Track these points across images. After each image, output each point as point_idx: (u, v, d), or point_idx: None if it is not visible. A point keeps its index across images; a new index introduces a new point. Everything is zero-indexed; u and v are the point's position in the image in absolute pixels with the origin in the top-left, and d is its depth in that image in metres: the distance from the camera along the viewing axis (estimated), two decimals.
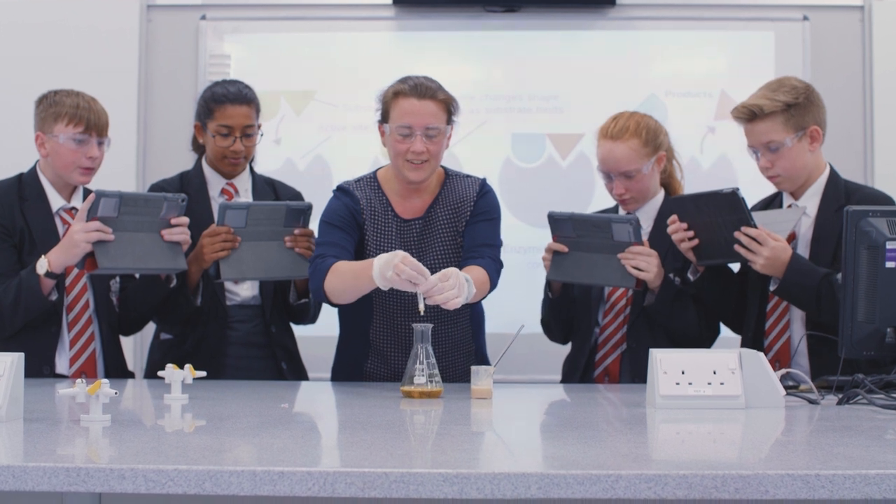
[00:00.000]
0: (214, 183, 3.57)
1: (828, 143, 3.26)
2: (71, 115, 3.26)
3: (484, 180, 3.34)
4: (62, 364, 3.24)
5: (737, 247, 3.10)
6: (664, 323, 3.28)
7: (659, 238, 3.35)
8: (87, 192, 3.31)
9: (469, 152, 4.86)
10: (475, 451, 1.87)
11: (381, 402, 2.64)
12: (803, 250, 3.19)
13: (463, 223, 3.23)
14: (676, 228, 3.24)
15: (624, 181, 3.38)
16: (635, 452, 1.81)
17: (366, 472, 1.57)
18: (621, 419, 2.31)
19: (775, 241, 3.07)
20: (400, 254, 2.76)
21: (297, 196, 3.70)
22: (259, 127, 3.56)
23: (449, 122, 3.20)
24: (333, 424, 2.20)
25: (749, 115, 3.19)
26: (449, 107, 3.19)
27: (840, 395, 2.62)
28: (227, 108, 3.48)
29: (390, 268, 2.74)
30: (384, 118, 3.20)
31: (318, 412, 2.50)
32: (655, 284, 3.24)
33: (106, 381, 2.09)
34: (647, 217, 3.42)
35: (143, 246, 3.17)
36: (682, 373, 2.51)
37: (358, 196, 3.21)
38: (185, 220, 3.24)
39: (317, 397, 2.95)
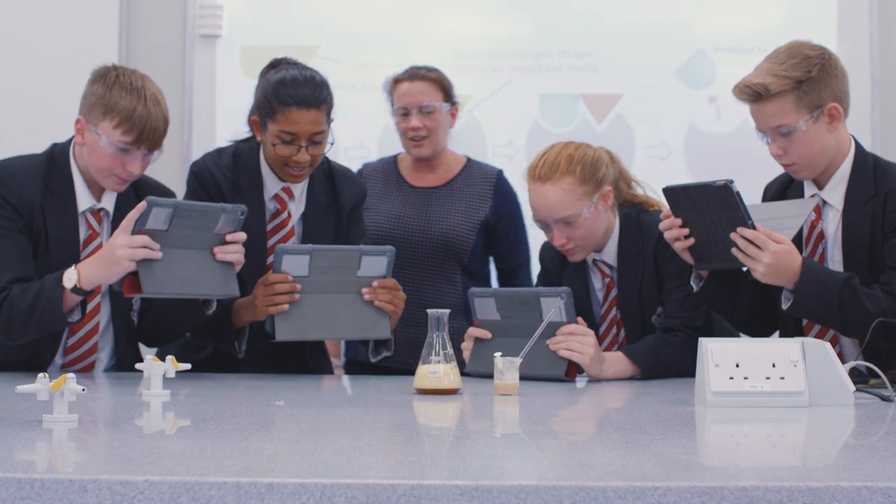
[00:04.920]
0: (270, 184, 3.32)
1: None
2: (123, 118, 2.97)
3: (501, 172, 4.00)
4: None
5: (734, 250, 2.89)
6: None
7: (628, 273, 3.24)
8: (136, 195, 3.10)
9: (493, 116, 4.82)
10: (498, 459, 1.79)
11: (391, 399, 2.60)
12: (834, 253, 3.02)
13: (489, 201, 3.92)
14: (670, 224, 3.03)
15: (564, 229, 3.19)
16: (685, 460, 1.72)
17: (369, 483, 1.50)
18: (666, 419, 2.23)
19: (777, 243, 2.85)
20: None
21: (363, 190, 3.50)
22: (329, 129, 3.27)
23: (447, 100, 3.90)
24: (335, 426, 2.12)
25: (753, 95, 2.98)
26: (442, 85, 3.90)
27: None
28: (292, 112, 3.17)
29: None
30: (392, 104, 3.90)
31: (318, 411, 2.43)
32: (595, 372, 3.03)
33: (72, 375, 2.02)
34: (611, 259, 3.29)
35: (192, 266, 2.92)
36: (737, 366, 2.42)
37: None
38: (242, 236, 3.00)
39: (318, 393, 2.88)
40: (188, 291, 2.95)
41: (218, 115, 4.85)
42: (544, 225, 3.24)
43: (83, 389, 2.02)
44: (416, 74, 3.93)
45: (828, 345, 2.46)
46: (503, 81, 4.81)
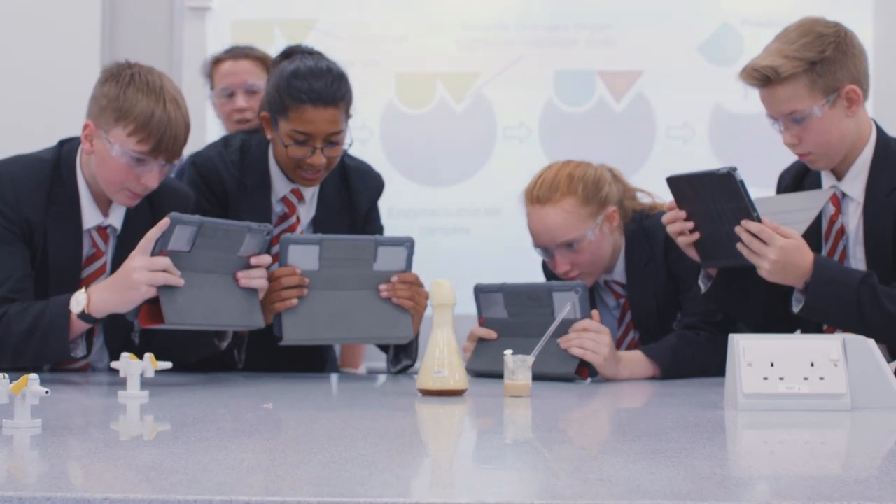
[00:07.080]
0: (279, 185, 3.18)
1: None
2: (139, 124, 2.77)
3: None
4: None
5: (739, 245, 2.77)
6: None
7: (642, 285, 3.15)
8: (149, 205, 2.93)
9: (504, 94, 4.76)
10: (507, 471, 1.71)
11: (391, 402, 2.53)
12: (856, 249, 2.90)
13: None
14: (674, 217, 2.91)
15: (567, 254, 3.10)
16: (719, 473, 1.61)
17: (359, 502, 1.39)
18: (694, 425, 2.14)
19: (785, 237, 2.73)
20: None
21: (379, 187, 3.35)
22: (348, 128, 3.11)
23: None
24: (326, 433, 2.03)
25: (762, 79, 2.83)
26: (266, 64, 3.84)
27: None
28: (306, 110, 3.01)
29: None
30: None
31: (310, 415, 2.34)
32: (610, 372, 2.92)
33: (35, 376, 1.91)
34: (622, 276, 3.21)
35: (216, 293, 2.75)
36: (772, 365, 2.33)
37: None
38: (267, 259, 2.84)
39: (312, 395, 2.79)
40: (212, 322, 2.79)
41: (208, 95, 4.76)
42: (545, 251, 3.14)
43: (46, 392, 1.92)
44: (239, 53, 4.02)
45: (871, 342, 2.36)
46: (515, 57, 4.76)
